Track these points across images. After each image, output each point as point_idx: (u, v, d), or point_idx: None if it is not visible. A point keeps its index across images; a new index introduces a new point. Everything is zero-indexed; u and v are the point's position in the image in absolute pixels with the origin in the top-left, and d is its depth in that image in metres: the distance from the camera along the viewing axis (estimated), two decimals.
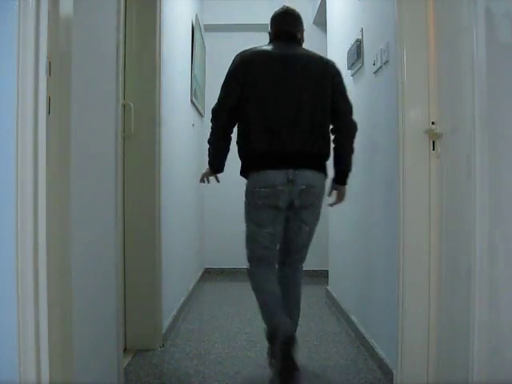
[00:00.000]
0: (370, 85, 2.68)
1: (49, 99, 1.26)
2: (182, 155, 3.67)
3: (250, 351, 2.74)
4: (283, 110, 2.30)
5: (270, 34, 2.62)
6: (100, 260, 1.81)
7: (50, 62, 1.26)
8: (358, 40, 2.83)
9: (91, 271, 1.69)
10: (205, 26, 4.94)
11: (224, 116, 2.45)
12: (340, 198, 2.56)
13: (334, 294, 3.74)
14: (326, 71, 2.38)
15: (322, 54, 2.51)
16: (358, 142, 2.99)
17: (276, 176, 2.26)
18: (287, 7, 2.67)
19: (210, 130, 2.50)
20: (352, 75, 3.09)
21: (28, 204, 1.23)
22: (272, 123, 2.29)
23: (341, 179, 2.49)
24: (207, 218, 5.12)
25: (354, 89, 3.08)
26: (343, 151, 2.46)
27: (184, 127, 3.78)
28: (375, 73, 2.53)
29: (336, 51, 3.69)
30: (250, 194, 2.40)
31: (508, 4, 1.41)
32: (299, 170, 2.26)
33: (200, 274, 4.76)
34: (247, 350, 2.77)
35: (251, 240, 2.45)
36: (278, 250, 2.45)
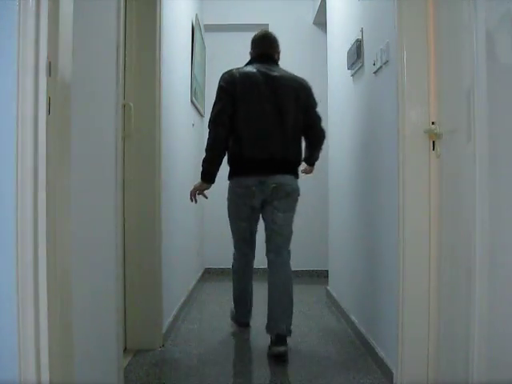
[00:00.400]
0: (370, 85, 2.68)
1: (49, 99, 1.26)
2: (181, 155, 3.67)
3: (249, 351, 2.74)
4: (266, 124, 2.72)
5: (251, 54, 2.97)
6: (100, 260, 1.81)
7: (50, 62, 1.26)
8: (357, 40, 2.83)
9: (91, 271, 1.69)
10: (205, 25, 4.94)
11: (222, 127, 2.74)
12: (308, 171, 3.23)
13: (334, 294, 3.74)
14: (300, 90, 2.83)
15: (296, 74, 2.99)
16: (359, 142, 3.00)
17: (250, 180, 2.73)
18: (265, 31, 3.06)
19: (209, 141, 2.77)
20: (352, 75, 3.09)
21: (28, 204, 1.23)
22: (256, 135, 2.71)
23: (311, 162, 3.15)
24: (207, 218, 5.12)
25: (354, 89, 3.08)
26: (314, 151, 3.04)
27: (184, 127, 3.78)
28: (375, 73, 2.53)
29: (336, 51, 3.69)
30: (230, 192, 2.93)
31: (508, 4, 1.41)
32: (269, 176, 2.70)
33: (200, 273, 4.76)
34: (247, 350, 2.77)
35: (234, 233, 3.00)
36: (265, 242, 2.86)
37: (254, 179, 2.72)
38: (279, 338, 2.57)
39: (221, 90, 2.79)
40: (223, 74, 2.82)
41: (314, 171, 4.68)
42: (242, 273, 3.04)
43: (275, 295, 2.72)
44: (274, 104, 2.73)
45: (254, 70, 2.78)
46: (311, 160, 3.14)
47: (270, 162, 2.71)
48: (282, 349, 2.53)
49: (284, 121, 2.73)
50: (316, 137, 2.97)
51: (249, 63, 2.89)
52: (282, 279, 2.79)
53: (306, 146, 3.00)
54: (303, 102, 2.82)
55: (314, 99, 2.91)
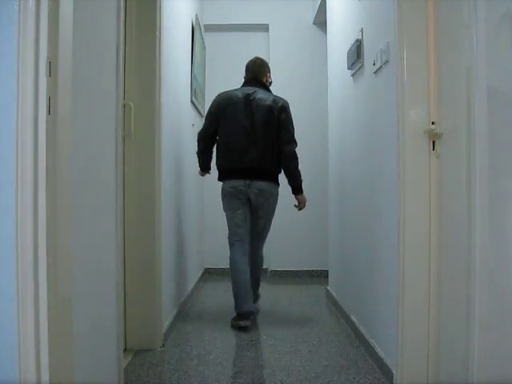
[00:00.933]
0: (370, 85, 2.68)
1: (49, 99, 1.26)
2: (181, 155, 3.67)
3: (249, 351, 2.74)
4: (243, 138, 3.29)
5: (244, 77, 3.55)
6: (100, 260, 1.81)
7: (50, 62, 1.26)
8: (357, 40, 2.83)
9: (91, 271, 1.69)
10: (205, 25, 4.94)
11: (205, 140, 3.51)
12: (300, 203, 3.52)
13: (334, 294, 3.74)
14: (274, 110, 3.31)
15: (276, 96, 3.42)
16: (359, 142, 3.00)
17: (238, 182, 3.32)
18: (256, 58, 3.58)
19: (197, 148, 3.57)
20: (352, 75, 3.09)
21: (28, 204, 1.23)
22: (235, 147, 3.31)
23: (294, 190, 3.46)
24: (207, 218, 5.12)
25: (354, 89, 3.08)
26: (286, 171, 3.43)
27: (184, 127, 3.78)
28: (375, 73, 2.53)
29: (336, 51, 3.69)
30: (223, 191, 3.44)
31: (508, 4, 1.42)
32: (253, 181, 3.30)
33: (200, 274, 4.76)
34: (247, 350, 2.77)
35: (229, 221, 3.44)
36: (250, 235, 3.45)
37: (241, 181, 3.31)
38: (241, 315, 3.18)
39: (208, 111, 3.47)
40: (216, 97, 3.46)
41: (315, 171, 4.70)
42: (236, 262, 3.36)
43: (243, 279, 3.29)
44: (251, 121, 3.30)
45: (238, 93, 3.37)
46: (292, 187, 3.46)
47: (247, 170, 3.30)
48: (242, 323, 3.14)
49: (258, 136, 3.28)
50: (283, 157, 3.37)
51: (241, 86, 3.48)
52: (256, 266, 3.56)
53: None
54: (275, 120, 3.31)
55: (286, 119, 3.36)
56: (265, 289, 4.48)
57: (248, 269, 3.34)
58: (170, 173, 3.11)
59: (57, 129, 1.30)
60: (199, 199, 4.80)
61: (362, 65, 2.80)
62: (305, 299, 4.08)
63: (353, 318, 3.05)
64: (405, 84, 2.02)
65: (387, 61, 2.30)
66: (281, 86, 5.01)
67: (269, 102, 3.32)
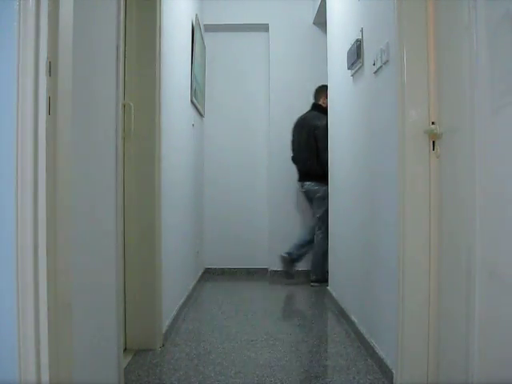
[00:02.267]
0: (370, 85, 2.68)
1: (49, 99, 1.26)
2: (182, 155, 3.67)
3: (249, 351, 2.74)
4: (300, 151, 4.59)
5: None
6: (100, 260, 1.81)
7: (50, 62, 1.26)
8: (357, 40, 2.83)
9: (91, 271, 1.69)
10: (205, 25, 4.94)
11: None
12: None
13: (334, 294, 3.74)
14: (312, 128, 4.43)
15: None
16: (359, 142, 3.00)
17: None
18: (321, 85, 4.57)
19: None
20: (352, 75, 3.09)
21: (28, 204, 1.23)
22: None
23: None
24: (207, 218, 5.12)
25: (354, 89, 3.08)
26: None
27: (184, 127, 3.78)
28: (375, 73, 2.53)
29: (336, 51, 3.69)
30: None
31: (508, 4, 1.41)
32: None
33: (200, 273, 4.76)
34: (247, 349, 2.77)
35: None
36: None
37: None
38: None
39: None
40: None
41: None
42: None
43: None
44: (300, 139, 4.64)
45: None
46: None
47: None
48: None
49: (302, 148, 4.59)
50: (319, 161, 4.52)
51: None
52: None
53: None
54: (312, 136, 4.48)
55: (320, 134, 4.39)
56: (265, 289, 4.48)
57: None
58: (170, 173, 3.11)
59: (57, 129, 1.30)
60: (199, 199, 4.80)
61: (362, 65, 2.80)
62: (305, 299, 4.08)
63: (353, 318, 3.05)
64: (405, 84, 2.01)
65: (387, 61, 2.30)
66: (281, 86, 5.03)
67: (310, 120, 4.56)
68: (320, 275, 4.39)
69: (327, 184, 4.04)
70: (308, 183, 4.46)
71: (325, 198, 4.15)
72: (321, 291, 4.17)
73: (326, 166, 4.04)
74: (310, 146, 4.40)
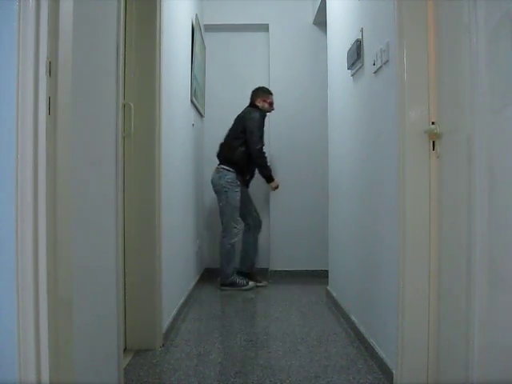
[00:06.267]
0: (370, 85, 2.68)
1: (49, 99, 1.26)
2: (181, 155, 3.67)
3: (249, 351, 2.74)
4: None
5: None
6: (100, 260, 1.81)
7: (50, 62, 1.26)
8: (357, 40, 2.83)
9: (91, 271, 1.69)
10: (205, 25, 4.94)
11: None
12: (273, 188, 4.69)
13: (334, 294, 3.74)
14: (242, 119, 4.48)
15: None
16: (359, 142, 3.00)
17: None
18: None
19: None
20: (352, 75, 3.09)
21: (28, 204, 1.23)
22: None
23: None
24: (207, 218, 5.12)
25: (354, 89, 3.08)
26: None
27: (184, 127, 3.78)
28: (375, 73, 2.53)
29: (336, 51, 3.69)
30: None
31: (508, 4, 1.41)
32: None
33: (200, 274, 4.76)
34: (247, 349, 2.77)
35: None
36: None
37: None
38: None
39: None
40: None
41: (315, 171, 4.72)
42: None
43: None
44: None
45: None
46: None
47: None
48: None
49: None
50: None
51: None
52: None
53: None
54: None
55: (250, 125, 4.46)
56: (265, 288, 4.48)
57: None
58: (170, 172, 3.11)
59: (57, 129, 1.30)
60: (199, 199, 4.80)
61: (362, 65, 2.80)
62: (305, 299, 4.08)
63: (353, 318, 3.05)
64: (405, 84, 2.01)
65: (387, 61, 2.30)
66: (280, 86, 5.02)
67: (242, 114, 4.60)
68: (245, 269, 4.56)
69: (239, 176, 4.37)
70: (215, 170, 4.50)
71: (228, 191, 4.35)
72: (321, 291, 4.17)
73: (257, 158, 4.38)
74: (234, 133, 4.46)
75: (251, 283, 4.44)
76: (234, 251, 4.40)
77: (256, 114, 4.43)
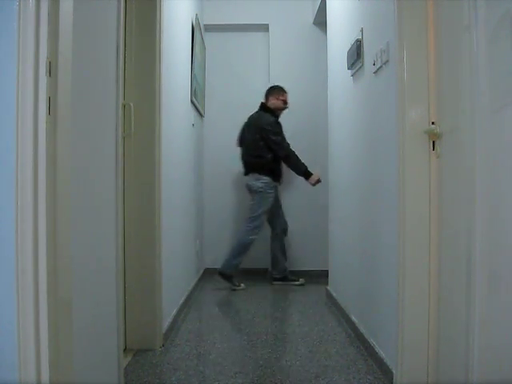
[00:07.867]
0: (370, 85, 2.68)
1: (49, 99, 1.26)
2: (182, 155, 3.67)
3: (249, 351, 2.74)
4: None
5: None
6: (100, 260, 1.81)
7: (50, 62, 1.26)
8: (357, 40, 2.83)
9: (91, 271, 1.69)
10: (205, 25, 4.94)
11: None
12: (314, 183, 4.50)
13: (334, 294, 3.74)
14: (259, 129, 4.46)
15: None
16: (359, 142, 3.00)
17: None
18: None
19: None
20: (352, 75, 3.09)
21: (28, 204, 1.23)
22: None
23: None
24: (207, 218, 5.12)
25: (354, 89, 3.08)
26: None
27: (184, 127, 3.78)
28: (375, 73, 2.53)
29: (336, 51, 3.69)
30: None
31: (508, 4, 1.41)
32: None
33: (200, 274, 4.76)
34: (247, 349, 2.77)
35: None
36: None
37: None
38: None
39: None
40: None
41: (315, 170, 4.74)
42: None
43: None
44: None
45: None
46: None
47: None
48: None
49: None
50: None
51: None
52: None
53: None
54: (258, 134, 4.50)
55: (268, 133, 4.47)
56: (265, 289, 4.48)
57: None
58: (170, 173, 3.11)
59: (57, 129, 1.30)
60: (199, 199, 4.80)
61: (362, 65, 2.80)
62: (305, 299, 4.08)
63: (353, 318, 3.05)
64: (405, 84, 2.01)
65: (387, 61, 2.30)
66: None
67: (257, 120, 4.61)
68: (280, 273, 4.63)
69: (273, 179, 4.42)
70: (249, 177, 4.52)
71: (263, 192, 4.40)
72: (321, 291, 4.17)
73: (287, 160, 4.43)
74: (255, 143, 4.46)
75: (301, 279, 4.60)
76: (249, 247, 4.44)
77: (270, 119, 4.44)
